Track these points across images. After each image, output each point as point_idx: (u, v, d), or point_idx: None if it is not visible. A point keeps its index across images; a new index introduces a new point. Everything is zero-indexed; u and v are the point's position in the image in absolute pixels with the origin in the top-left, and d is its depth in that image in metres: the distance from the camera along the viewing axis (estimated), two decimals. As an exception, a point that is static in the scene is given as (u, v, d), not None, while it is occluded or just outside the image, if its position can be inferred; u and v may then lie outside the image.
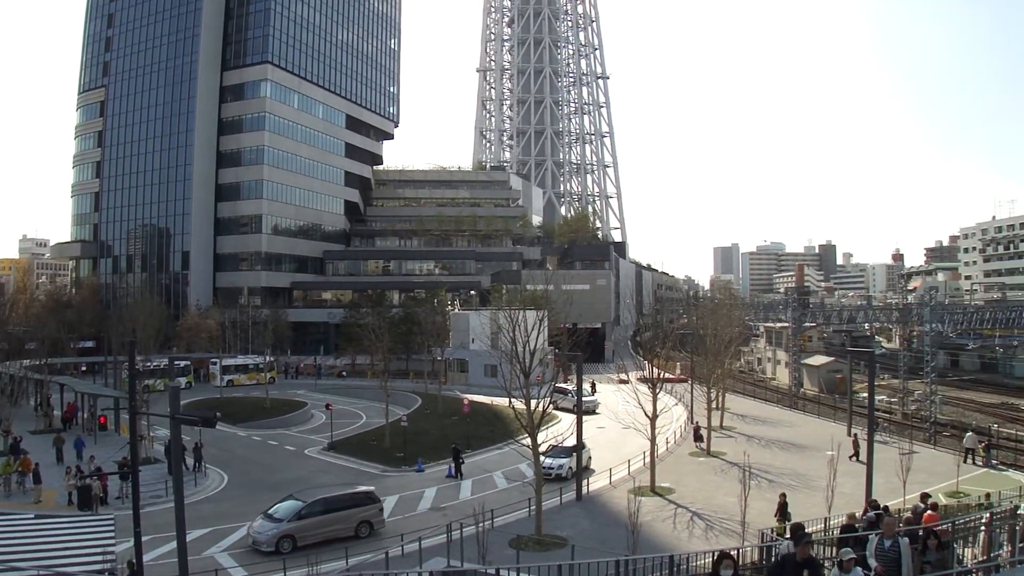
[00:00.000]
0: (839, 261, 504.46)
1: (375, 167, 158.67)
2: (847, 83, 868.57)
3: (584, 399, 66.29)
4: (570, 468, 45.67)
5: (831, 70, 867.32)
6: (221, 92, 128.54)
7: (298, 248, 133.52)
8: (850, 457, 46.85)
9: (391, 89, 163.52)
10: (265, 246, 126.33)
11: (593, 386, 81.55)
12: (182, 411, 25.37)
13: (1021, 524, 23.89)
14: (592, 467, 48.69)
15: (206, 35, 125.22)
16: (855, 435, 51.62)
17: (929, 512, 26.40)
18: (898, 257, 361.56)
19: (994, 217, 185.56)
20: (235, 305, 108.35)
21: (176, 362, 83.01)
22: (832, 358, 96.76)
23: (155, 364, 74.72)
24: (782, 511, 33.33)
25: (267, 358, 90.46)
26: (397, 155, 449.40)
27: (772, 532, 30.81)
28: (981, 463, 49.30)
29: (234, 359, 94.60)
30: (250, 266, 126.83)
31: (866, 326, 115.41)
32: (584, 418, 46.31)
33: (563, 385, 68.14)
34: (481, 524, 28.76)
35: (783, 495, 33.89)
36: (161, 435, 53.52)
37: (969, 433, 54.99)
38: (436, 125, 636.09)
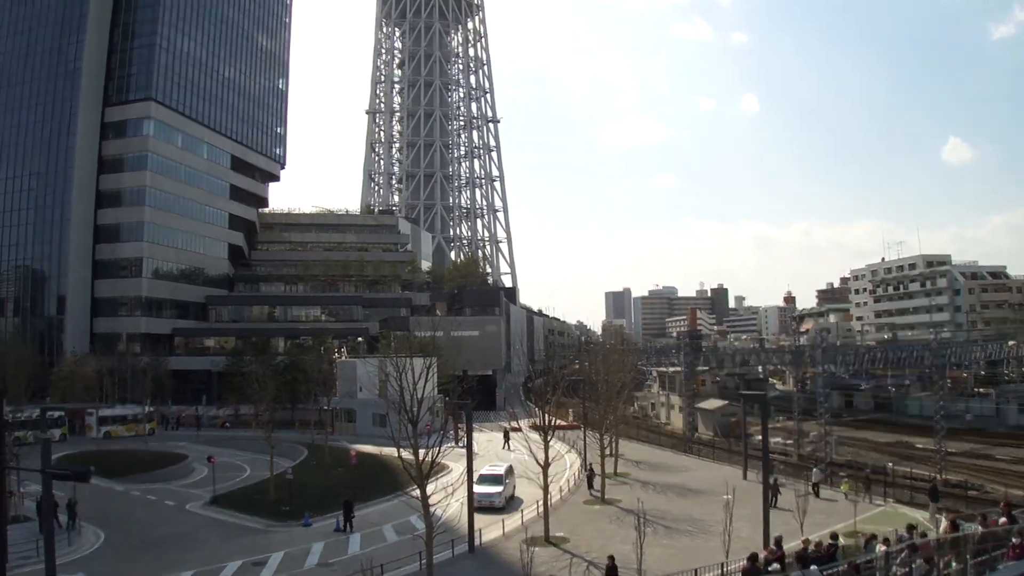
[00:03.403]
0: (731, 304, 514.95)
1: (260, 210, 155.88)
2: (738, 127, 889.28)
3: (491, 490, 54.72)
4: None
5: (727, 110, 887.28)
6: (102, 129, 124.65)
7: (180, 293, 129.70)
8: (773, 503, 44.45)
9: (278, 130, 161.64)
10: (146, 291, 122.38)
11: (507, 435, 78.82)
12: (54, 465, 24.03)
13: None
14: None
15: (88, 70, 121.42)
16: (775, 479, 49.93)
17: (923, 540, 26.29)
18: (790, 299, 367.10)
19: (883, 259, 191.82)
20: (113, 352, 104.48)
21: (49, 412, 79.42)
22: (726, 401, 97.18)
23: (27, 415, 71.21)
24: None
25: (147, 408, 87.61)
26: (283, 198, 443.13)
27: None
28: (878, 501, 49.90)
29: (112, 409, 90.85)
30: (130, 311, 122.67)
31: (759, 369, 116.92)
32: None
33: (491, 470, 55.12)
34: (371, 581, 27.70)
35: (611, 557, 32.25)
36: (33, 491, 50.70)
37: (815, 468, 56.08)
38: (324, 167, 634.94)
